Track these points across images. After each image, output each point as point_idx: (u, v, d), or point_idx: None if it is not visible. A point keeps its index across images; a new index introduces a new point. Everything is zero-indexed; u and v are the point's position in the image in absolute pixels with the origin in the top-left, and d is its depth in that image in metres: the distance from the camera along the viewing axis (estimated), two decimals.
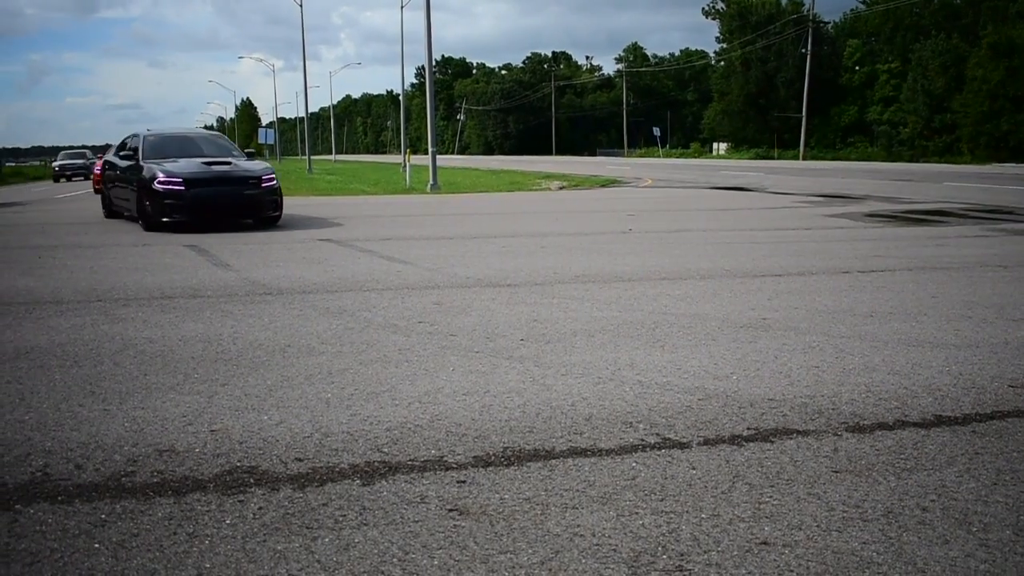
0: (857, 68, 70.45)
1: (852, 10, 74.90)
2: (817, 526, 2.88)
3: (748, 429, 3.83)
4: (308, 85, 61.07)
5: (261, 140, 47.12)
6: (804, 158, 63.15)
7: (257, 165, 14.64)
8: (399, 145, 60.58)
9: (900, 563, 2.62)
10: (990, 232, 12.36)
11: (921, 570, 2.59)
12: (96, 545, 2.77)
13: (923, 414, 4.03)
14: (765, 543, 2.76)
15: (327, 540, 2.79)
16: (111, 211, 16.02)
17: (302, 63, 52.74)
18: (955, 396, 4.31)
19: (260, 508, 3.03)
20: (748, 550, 2.72)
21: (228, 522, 2.92)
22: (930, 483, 3.23)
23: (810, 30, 66.36)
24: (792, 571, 2.59)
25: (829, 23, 74.70)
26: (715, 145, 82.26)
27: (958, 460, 3.46)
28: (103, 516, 2.97)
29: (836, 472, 3.34)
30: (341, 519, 2.94)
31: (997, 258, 9.44)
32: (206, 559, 2.67)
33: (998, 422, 3.93)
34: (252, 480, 3.27)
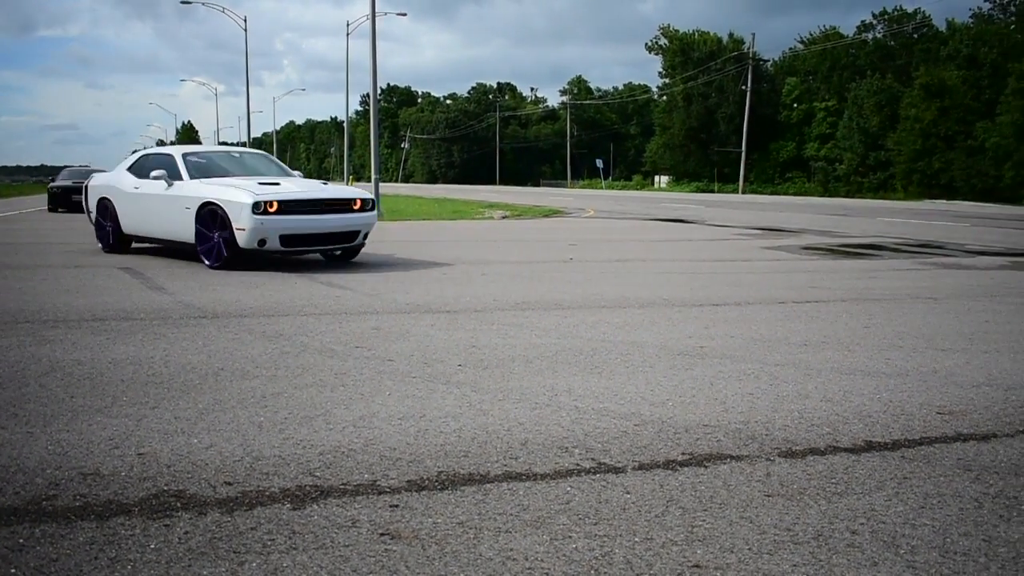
0: (795, 105, 72.02)
1: (791, 49, 76.73)
2: (749, 549, 2.89)
3: (683, 454, 3.84)
4: (251, 110, 60.61)
5: None
6: (743, 192, 64.28)
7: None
8: (343, 172, 60.33)
9: None
10: (921, 266, 12.66)
11: None
12: (13, 570, 2.67)
13: (854, 440, 4.09)
14: (697, 566, 2.76)
15: (254, 564, 2.73)
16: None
17: (245, 88, 52.29)
18: (885, 422, 4.38)
19: (186, 532, 2.96)
20: (680, 573, 2.72)
21: (152, 546, 2.84)
22: (860, 507, 3.27)
23: (750, 67, 67.78)
24: None
25: (768, 61, 76.33)
26: (657, 178, 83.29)
27: (887, 484, 3.51)
28: (21, 540, 2.87)
29: (768, 496, 3.36)
30: (270, 543, 2.88)
31: (927, 290, 9.67)
32: None
33: (926, 447, 4.00)
34: (179, 504, 3.20)
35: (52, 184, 30.49)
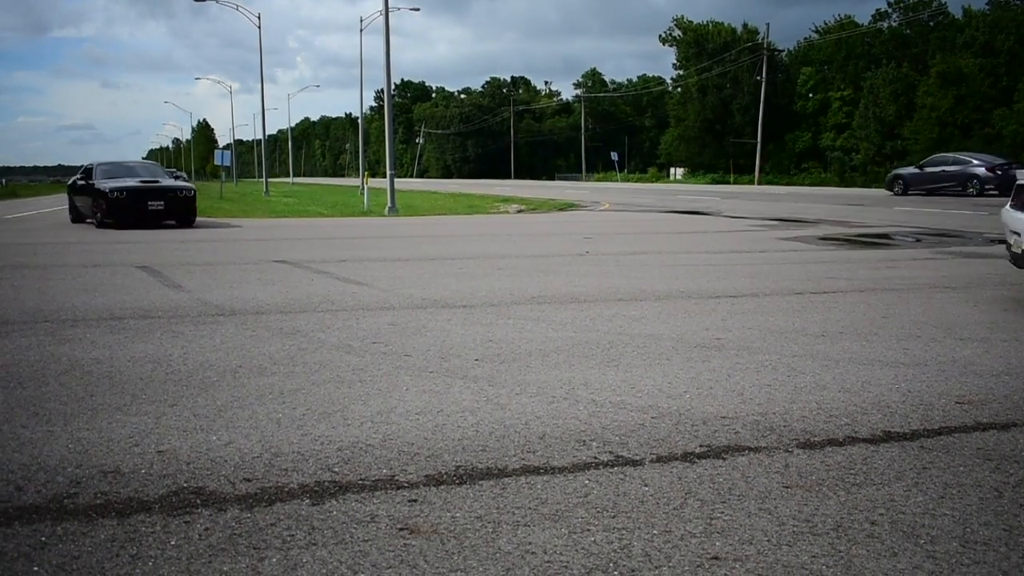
0: (811, 95, 71.61)
1: (805, 39, 76.22)
2: (768, 541, 2.88)
3: (700, 446, 3.84)
4: (265, 107, 60.82)
5: (218, 162, 46.37)
6: (759, 183, 63.95)
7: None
8: (358, 168, 60.44)
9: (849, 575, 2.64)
10: (939, 255, 12.58)
11: None
12: (35, 568, 2.69)
13: (872, 430, 4.07)
14: (716, 558, 2.76)
15: (274, 560, 2.74)
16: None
17: (259, 85, 52.54)
18: (904, 413, 4.36)
19: (206, 529, 2.97)
20: (699, 565, 2.71)
21: (173, 543, 2.86)
22: (879, 497, 3.26)
23: (764, 58, 67.41)
24: None
25: (783, 51, 75.90)
26: (672, 170, 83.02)
27: (906, 475, 3.50)
28: (43, 538, 2.90)
29: (787, 487, 3.35)
30: (289, 539, 2.90)
31: (945, 279, 9.61)
32: None
33: (945, 438, 3.98)
34: (199, 501, 3.21)
35: (109, 185, 18.98)
